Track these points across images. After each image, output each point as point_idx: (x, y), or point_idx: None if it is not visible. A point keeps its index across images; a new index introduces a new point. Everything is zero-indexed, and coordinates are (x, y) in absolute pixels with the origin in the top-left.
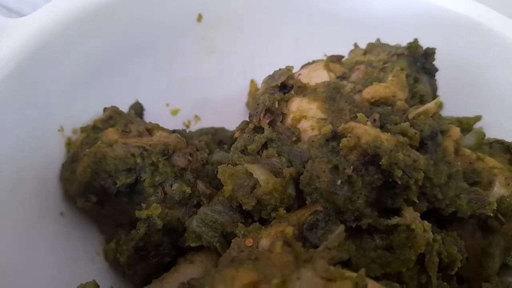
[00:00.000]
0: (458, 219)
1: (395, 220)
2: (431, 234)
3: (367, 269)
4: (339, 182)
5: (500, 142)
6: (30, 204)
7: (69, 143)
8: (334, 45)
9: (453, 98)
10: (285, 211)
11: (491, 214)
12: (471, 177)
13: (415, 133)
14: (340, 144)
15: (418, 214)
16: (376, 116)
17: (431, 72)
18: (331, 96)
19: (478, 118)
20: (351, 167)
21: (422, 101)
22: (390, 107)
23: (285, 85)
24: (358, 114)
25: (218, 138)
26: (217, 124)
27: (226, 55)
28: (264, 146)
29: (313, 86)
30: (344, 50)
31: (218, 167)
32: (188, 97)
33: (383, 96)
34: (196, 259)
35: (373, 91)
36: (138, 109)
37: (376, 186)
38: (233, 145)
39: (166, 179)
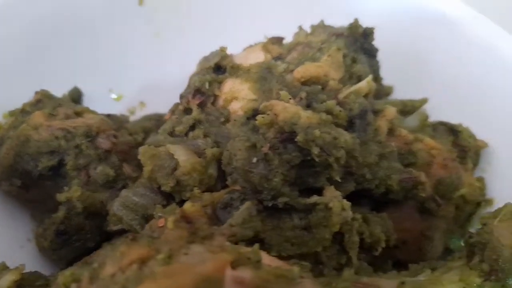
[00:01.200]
0: (396, 202)
1: (313, 199)
2: (350, 213)
3: (280, 248)
4: (254, 160)
5: (444, 124)
6: None
7: None
8: (286, 27)
9: (402, 82)
10: (199, 191)
11: (424, 195)
12: (407, 158)
13: (340, 111)
14: (256, 122)
15: (339, 193)
16: (303, 94)
17: (370, 52)
18: (263, 76)
19: (424, 101)
20: (268, 144)
21: (360, 81)
22: (319, 86)
23: (219, 66)
24: (281, 92)
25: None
26: (163, 110)
27: (171, 38)
28: (192, 127)
29: (247, 67)
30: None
31: (139, 148)
32: (132, 83)
33: (314, 75)
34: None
35: (303, 70)
36: (75, 95)
37: (295, 164)
38: (161, 127)
39: (90, 162)
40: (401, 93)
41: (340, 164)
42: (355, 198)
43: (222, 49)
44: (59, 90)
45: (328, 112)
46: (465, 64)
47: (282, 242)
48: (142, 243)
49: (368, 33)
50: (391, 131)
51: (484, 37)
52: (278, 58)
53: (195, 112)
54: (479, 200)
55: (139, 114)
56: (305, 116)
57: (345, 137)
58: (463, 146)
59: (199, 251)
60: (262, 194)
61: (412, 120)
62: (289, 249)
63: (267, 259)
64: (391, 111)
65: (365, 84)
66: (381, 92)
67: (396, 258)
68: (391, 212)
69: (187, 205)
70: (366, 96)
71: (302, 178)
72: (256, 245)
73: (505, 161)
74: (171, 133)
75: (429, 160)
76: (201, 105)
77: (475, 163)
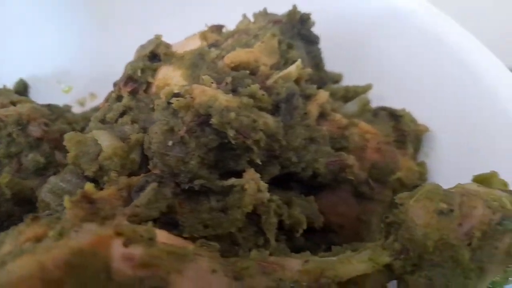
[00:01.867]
0: (332, 187)
1: (230, 181)
2: (267, 194)
3: (192, 229)
4: (170, 143)
5: (385, 109)
6: None
7: None
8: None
9: (350, 70)
10: (116, 175)
11: (352, 178)
12: (339, 142)
13: (263, 94)
14: (172, 105)
15: (258, 176)
16: (228, 79)
17: (308, 38)
18: (195, 63)
19: (368, 87)
20: (184, 128)
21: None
22: (246, 71)
23: (155, 54)
24: (203, 77)
25: None
26: None
27: (119, 27)
28: (122, 114)
29: (181, 54)
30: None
31: (65, 134)
32: (81, 74)
33: (244, 61)
34: None
35: (233, 56)
36: (21, 87)
37: (212, 147)
38: (93, 115)
39: (21, 150)
40: (350, 81)
41: (260, 147)
42: (285, 181)
43: (157, 37)
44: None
45: (251, 96)
46: (413, 52)
47: (196, 223)
48: (42, 222)
49: (305, 19)
50: (323, 116)
51: (432, 25)
52: (214, 45)
53: (126, 99)
54: (417, 184)
55: (89, 105)
56: (223, 99)
57: (266, 120)
58: (403, 131)
59: (90, 229)
60: (179, 177)
61: (352, 106)
62: (201, 230)
63: (165, 238)
64: (322, 96)
65: (294, 68)
66: (326, 79)
67: (334, 242)
68: (326, 196)
69: (88, 186)
70: (297, 81)
71: (223, 161)
72: (150, 224)
73: (448, 146)
74: (103, 121)
75: (363, 144)
76: (133, 92)
77: (417, 148)
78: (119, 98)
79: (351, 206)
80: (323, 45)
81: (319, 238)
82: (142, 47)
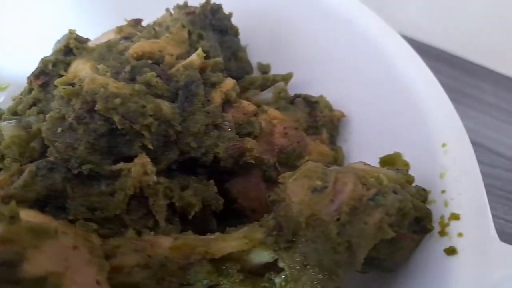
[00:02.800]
0: (245, 173)
1: (119, 165)
2: (154, 177)
3: (78, 212)
4: (59, 130)
5: (299, 96)
6: None
7: None
8: None
9: (272, 59)
10: (10, 161)
11: (253, 162)
12: (245, 128)
13: (157, 82)
14: (60, 93)
15: (149, 160)
16: (127, 68)
17: (221, 29)
18: (103, 55)
19: (288, 76)
20: (73, 115)
21: (207, 57)
22: (147, 61)
23: (69, 48)
24: (98, 66)
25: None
26: None
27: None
28: (32, 106)
29: (92, 48)
30: None
31: None
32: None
33: (147, 51)
34: None
35: (136, 47)
36: None
37: (102, 133)
38: (7, 108)
39: None
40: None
41: (151, 132)
42: (191, 167)
43: (71, 32)
44: None
45: (146, 83)
46: (331, 39)
47: (80, 206)
48: None
49: (215, 10)
50: (229, 103)
51: (347, 12)
52: (126, 37)
53: (35, 92)
54: None
55: None
56: (113, 86)
57: (159, 106)
58: (316, 116)
59: None
60: (70, 162)
61: (267, 94)
62: (86, 213)
63: (32, 217)
64: (228, 83)
65: (195, 57)
66: (247, 68)
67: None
68: (238, 182)
69: None
70: (202, 70)
71: (117, 147)
72: (13, 202)
73: (365, 131)
74: (15, 112)
75: (270, 130)
76: (43, 85)
77: (334, 133)
78: (30, 91)
79: (261, 190)
80: (248, 36)
81: (233, 223)
82: (58, 41)
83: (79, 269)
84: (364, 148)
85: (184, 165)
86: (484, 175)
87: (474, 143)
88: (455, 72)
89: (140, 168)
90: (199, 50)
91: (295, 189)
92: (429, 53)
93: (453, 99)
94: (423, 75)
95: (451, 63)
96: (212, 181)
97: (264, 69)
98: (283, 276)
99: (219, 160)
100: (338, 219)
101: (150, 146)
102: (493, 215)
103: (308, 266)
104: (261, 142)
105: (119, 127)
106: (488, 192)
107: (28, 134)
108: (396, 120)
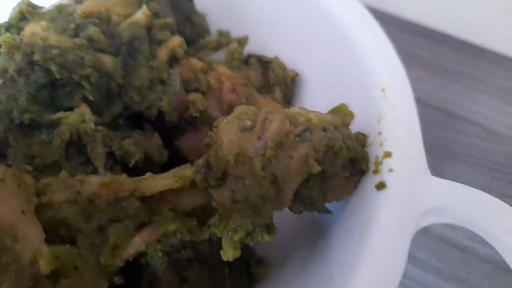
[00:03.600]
0: (190, 129)
1: (58, 114)
2: (92, 125)
3: (17, 158)
4: (1, 81)
5: (253, 56)
6: None
7: None
8: None
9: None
10: None
11: (198, 115)
12: (192, 84)
13: (99, 37)
14: (1, 47)
15: (89, 110)
16: (72, 26)
17: None
18: (54, 17)
19: (245, 40)
20: (14, 67)
21: (157, 18)
22: (93, 19)
23: (23, 14)
24: (41, 23)
25: None
26: None
27: None
28: None
29: (43, 12)
30: None
31: None
32: None
33: (95, 11)
34: None
35: (84, 7)
36: None
37: (42, 84)
38: None
39: None
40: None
41: (91, 83)
42: (137, 123)
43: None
44: None
45: (88, 38)
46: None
47: (18, 152)
48: None
49: None
50: (176, 60)
51: None
52: (78, 1)
53: None
54: None
55: None
56: (54, 40)
57: (99, 58)
58: (269, 75)
59: None
60: (12, 113)
61: (220, 55)
62: (25, 159)
63: None
64: (174, 41)
65: (140, 15)
66: (201, 33)
67: None
68: (188, 138)
69: None
70: (149, 29)
71: (58, 98)
72: None
73: (317, 90)
74: None
75: (219, 86)
76: None
77: (289, 93)
78: None
79: None
80: (206, 5)
81: None
82: (13, 9)
83: (3, 199)
84: (317, 107)
85: (131, 121)
86: (459, 143)
87: (449, 113)
88: (433, 45)
89: (78, 116)
90: (144, 8)
91: (226, 130)
92: (407, 28)
93: (432, 73)
94: (370, 30)
95: (429, 37)
96: (156, 133)
97: (224, 36)
98: (217, 216)
99: (164, 115)
100: (263, 154)
101: (91, 97)
102: (464, 180)
103: (237, 203)
104: (210, 98)
105: (58, 77)
106: (461, 159)
107: None
108: (345, 74)
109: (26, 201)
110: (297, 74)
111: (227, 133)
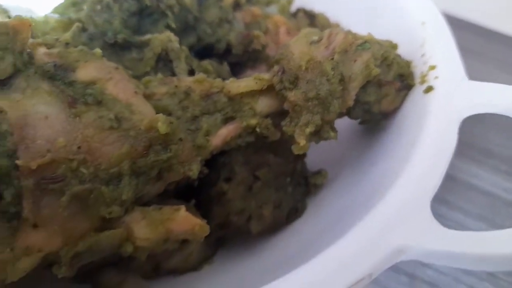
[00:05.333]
0: (249, 65)
1: (148, 36)
2: (177, 44)
3: None
4: (98, 7)
5: (301, 10)
6: None
7: None
8: None
9: None
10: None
11: (260, 48)
12: (253, 27)
13: None
14: None
15: (172, 34)
16: None
17: None
18: None
19: None
20: None
21: None
22: None
23: None
24: None
25: None
26: None
27: None
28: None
29: None
30: None
31: None
32: None
33: None
34: None
35: None
36: None
37: (133, 11)
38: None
39: None
40: None
41: (174, 13)
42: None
43: None
44: None
45: None
46: None
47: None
48: None
49: None
50: (239, 6)
51: None
52: None
53: None
54: None
55: None
56: None
57: None
58: (316, 26)
59: None
60: (106, 35)
61: (272, 9)
62: None
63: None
64: None
65: None
66: None
67: None
68: (246, 72)
69: None
70: None
71: (145, 26)
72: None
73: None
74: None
75: (275, 30)
76: None
77: None
78: None
79: None
80: None
81: None
82: None
83: (120, 81)
84: None
85: (201, 55)
86: None
87: None
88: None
89: (165, 36)
90: None
91: (296, 45)
92: None
93: None
94: None
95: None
96: (225, 62)
97: None
98: (288, 118)
99: (231, 49)
100: (332, 59)
101: (173, 25)
102: None
103: (309, 101)
104: (268, 40)
105: (148, 4)
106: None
107: (68, 21)
108: (384, 21)
109: (136, 86)
110: (338, 25)
111: (297, 46)
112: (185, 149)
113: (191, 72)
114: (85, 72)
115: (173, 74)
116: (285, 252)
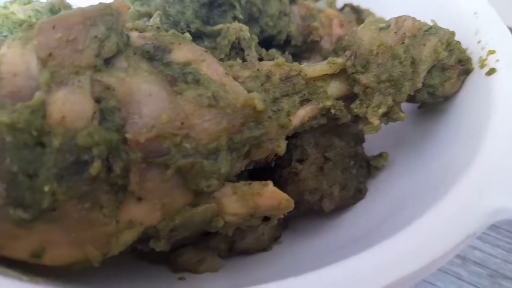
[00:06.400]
0: (305, 56)
1: (219, 26)
2: (247, 34)
3: None
4: None
5: (348, 5)
6: None
7: None
8: None
9: None
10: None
11: (318, 39)
12: (308, 20)
13: None
14: None
15: (241, 25)
16: None
17: None
18: None
19: None
20: None
21: None
22: None
23: None
24: None
25: None
26: None
27: None
28: None
29: None
30: None
31: None
32: None
33: None
34: None
35: None
36: None
37: (204, 2)
38: None
39: None
40: None
41: (241, 5)
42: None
43: None
44: None
45: None
46: None
47: None
48: None
49: None
50: (294, 1)
51: None
52: None
53: None
54: None
55: None
56: None
57: None
58: (363, 20)
59: None
60: (179, 25)
61: (321, 4)
62: None
63: None
64: None
65: None
66: None
67: None
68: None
69: None
70: None
71: (213, 17)
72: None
73: None
74: None
75: (329, 23)
76: None
77: None
78: None
79: None
80: None
81: None
82: None
83: (212, 63)
84: None
85: (261, 46)
86: None
87: None
88: None
89: (237, 26)
90: None
91: (364, 32)
92: None
93: None
94: None
95: None
96: (287, 52)
97: None
98: (357, 101)
99: (290, 41)
100: (402, 43)
101: (240, 16)
102: None
103: (381, 83)
104: (322, 33)
105: None
106: None
107: (137, 13)
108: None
109: (226, 68)
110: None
111: (366, 33)
112: (273, 126)
113: (260, 60)
114: (180, 54)
115: (245, 60)
116: (353, 232)
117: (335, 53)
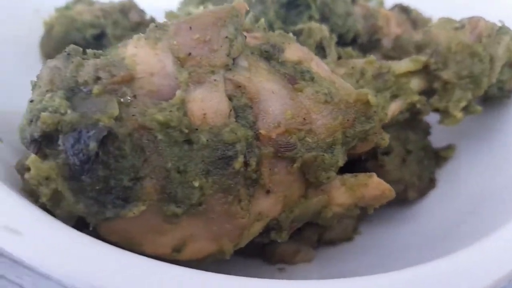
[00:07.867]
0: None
1: (300, 25)
2: (327, 32)
3: None
4: (253, 1)
5: (398, 6)
6: None
7: (45, 22)
8: None
9: None
10: None
11: (381, 37)
12: (369, 19)
13: None
14: None
15: (320, 24)
16: None
17: None
18: None
19: None
20: None
21: None
22: None
23: None
24: None
25: None
26: None
27: None
28: None
29: None
30: None
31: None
32: None
33: None
34: None
35: None
36: None
37: (283, 3)
38: None
39: (125, 32)
40: None
41: (316, 5)
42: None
43: None
44: None
45: None
46: None
47: None
48: None
49: None
50: (355, 2)
51: None
52: None
53: None
54: None
55: None
56: None
57: None
58: (412, 20)
59: None
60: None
61: (372, 4)
62: None
63: None
64: None
65: None
66: None
67: None
68: None
69: None
70: None
71: (290, 17)
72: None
73: None
74: None
75: (386, 22)
76: None
77: None
78: None
79: None
80: None
81: None
82: None
83: (319, 61)
84: None
85: None
86: None
87: None
88: None
89: (318, 26)
90: None
91: (438, 31)
92: None
93: None
94: None
95: None
96: (356, 51)
97: None
98: (436, 96)
99: (356, 39)
100: (480, 42)
101: (316, 16)
102: None
103: (461, 79)
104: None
105: None
106: None
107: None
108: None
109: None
110: (430, 20)
111: (441, 32)
112: (377, 120)
113: (338, 58)
114: (292, 53)
115: (325, 56)
116: (430, 227)
117: (394, 51)
